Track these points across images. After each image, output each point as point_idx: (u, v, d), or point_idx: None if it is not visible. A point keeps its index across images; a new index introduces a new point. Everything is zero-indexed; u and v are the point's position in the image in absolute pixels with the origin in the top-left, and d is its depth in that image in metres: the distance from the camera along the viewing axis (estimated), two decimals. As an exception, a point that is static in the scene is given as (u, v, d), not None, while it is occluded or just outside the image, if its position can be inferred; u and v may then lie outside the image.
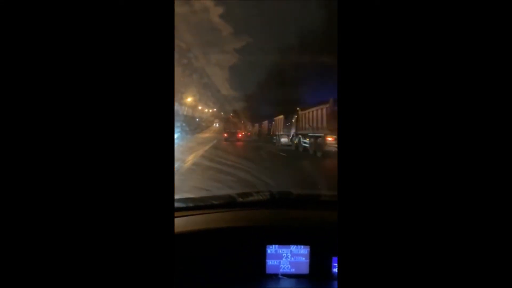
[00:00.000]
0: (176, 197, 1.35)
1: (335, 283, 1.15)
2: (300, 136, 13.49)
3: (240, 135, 21.01)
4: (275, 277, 1.20)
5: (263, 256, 1.21)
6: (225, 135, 20.35)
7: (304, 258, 1.21)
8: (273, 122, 21.09)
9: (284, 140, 15.55)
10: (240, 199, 1.47)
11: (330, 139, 10.13)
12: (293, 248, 1.21)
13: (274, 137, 18.72)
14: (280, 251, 1.21)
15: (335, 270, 1.19)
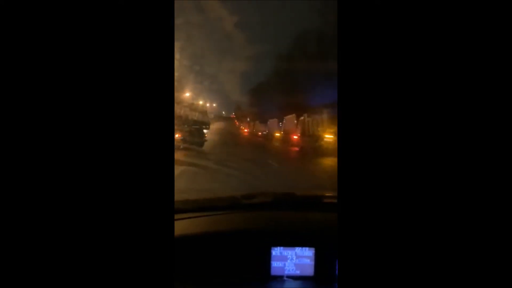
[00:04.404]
0: (179, 199, 1.35)
1: None
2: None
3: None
4: (280, 279, 1.20)
5: (268, 258, 1.20)
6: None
7: (309, 260, 1.21)
8: (306, 119, 15.41)
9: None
10: (244, 201, 1.46)
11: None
12: (298, 250, 1.21)
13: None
14: (285, 253, 1.21)
15: None
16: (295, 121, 18.29)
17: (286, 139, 18.86)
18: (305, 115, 16.58)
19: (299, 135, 17.09)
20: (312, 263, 1.21)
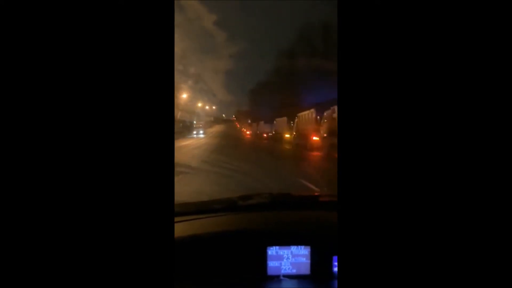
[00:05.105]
0: (176, 202, 1.37)
1: (336, 282, 1.15)
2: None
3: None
4: (276, 278, 1.20)
5: (264, 257, 1.20)
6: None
7: (305, 259, 1.21)
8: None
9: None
10: (241, 202, 1.47)
11: None
12: (293, 248, 1.21)
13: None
14: (281, 252, 1.21)
15: (336, 269, 1.19)
16: (315, 117, 14.15)
17: (300, 141, 15.22)
18: (334, 107, 12.22)
19: (324, 135, 12.77)
20: (308, 261, 1.21)
